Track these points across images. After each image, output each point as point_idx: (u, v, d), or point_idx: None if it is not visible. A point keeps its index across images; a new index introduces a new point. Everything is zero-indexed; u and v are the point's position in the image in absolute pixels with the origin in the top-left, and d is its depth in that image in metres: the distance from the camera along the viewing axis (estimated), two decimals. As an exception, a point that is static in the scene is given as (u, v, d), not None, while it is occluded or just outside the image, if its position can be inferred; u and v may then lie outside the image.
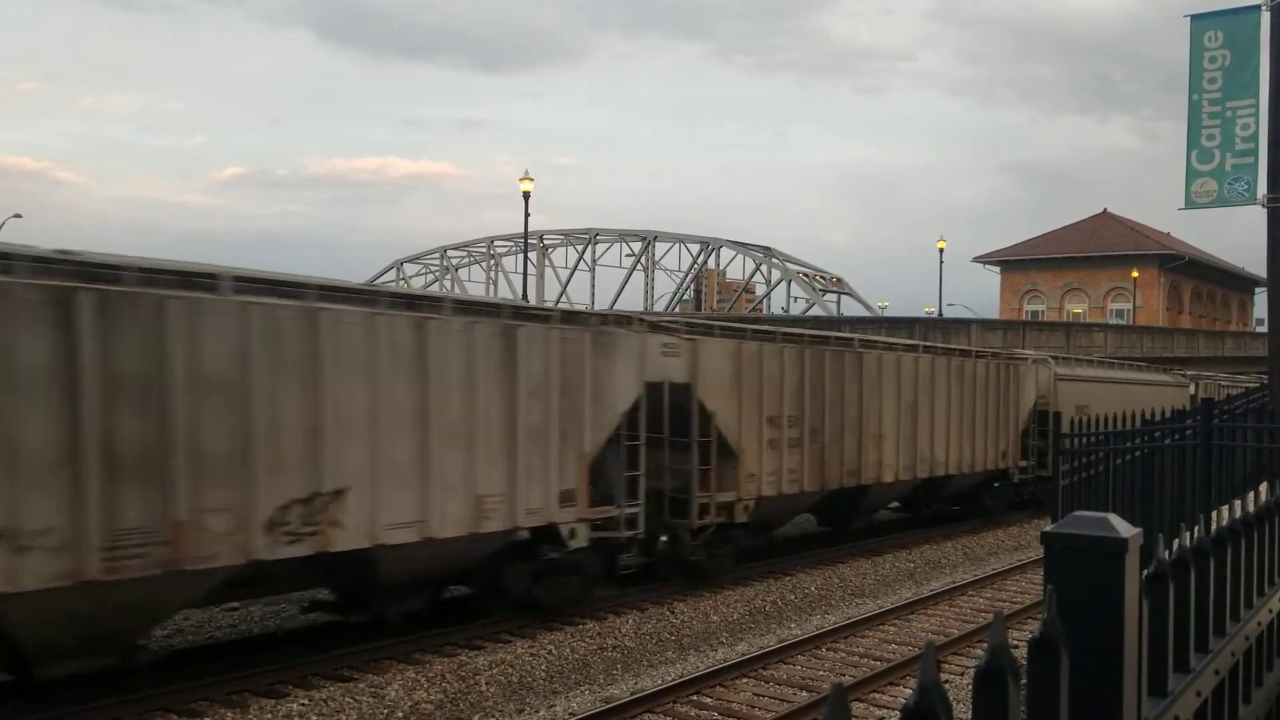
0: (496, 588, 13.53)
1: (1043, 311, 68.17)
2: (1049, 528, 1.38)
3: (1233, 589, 2.15)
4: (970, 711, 1.18)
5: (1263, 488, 2.78)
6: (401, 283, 78.99)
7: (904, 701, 0.96)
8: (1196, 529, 1.94)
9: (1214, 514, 2.33)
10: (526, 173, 36.20)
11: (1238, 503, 2.46)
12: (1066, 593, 1.26)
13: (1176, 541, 1.87)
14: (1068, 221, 74.84)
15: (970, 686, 1.22)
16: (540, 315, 13.84)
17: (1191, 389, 34.37)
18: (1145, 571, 1.54)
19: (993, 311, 67.20)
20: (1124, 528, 1.33)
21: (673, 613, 14.85)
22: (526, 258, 48.93)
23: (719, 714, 10.86)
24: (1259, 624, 2.30)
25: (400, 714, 10.70)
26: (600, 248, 73.41)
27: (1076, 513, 1.38)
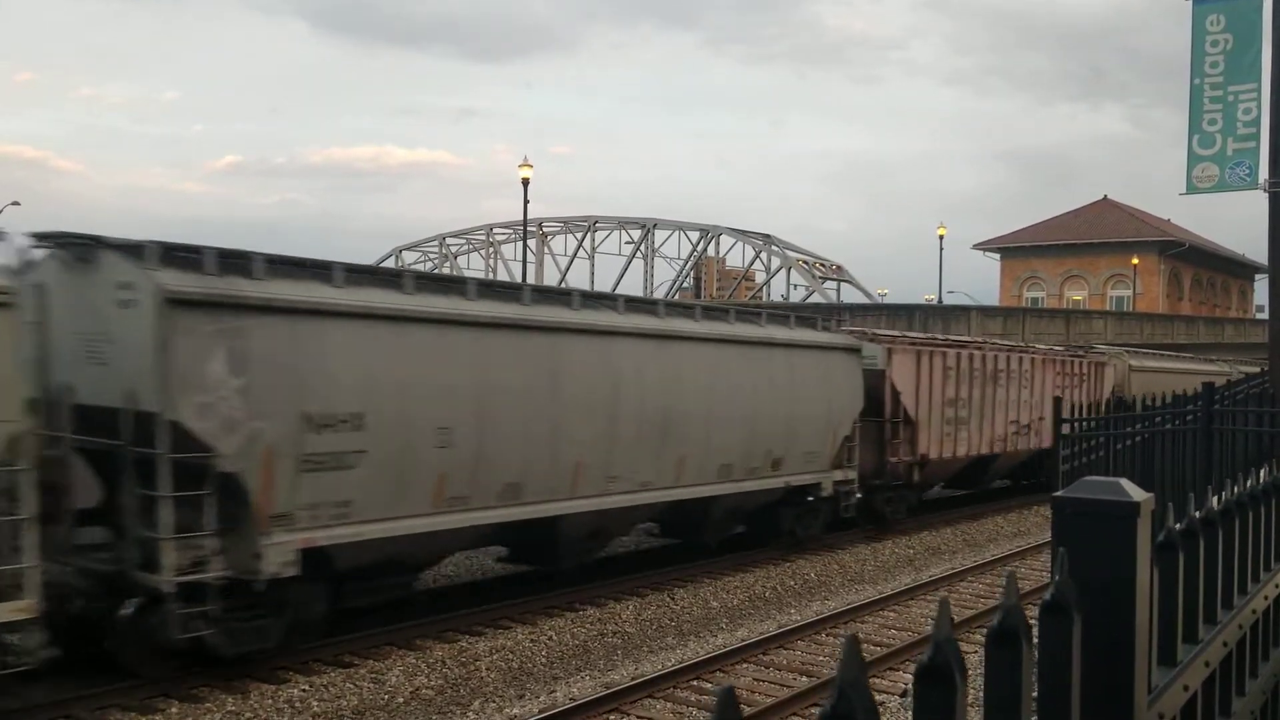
0: None
1: (1043, 298, 68.13)
2: (1059, 492, 1.36)
3: (1239, 563, 2.13)
4: (983, 678, 1.16)
5: (1263, 474, 2.76)
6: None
7: (919, 660, 0.94)
8: (1209, 501, 1.93)
9: (1215, 496, 2.32)
10: (525, 159, 36.14)
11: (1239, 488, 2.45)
12: (1077, 557, 1.24)
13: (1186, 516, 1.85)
14: (1063, 208, 74.81)
15: (980, 658, 1.19)
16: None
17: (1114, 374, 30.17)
18: (1155, 539, 1.52)
19: (993, 299, 67.15)
20: (1136, 492, 1.32)
21: (673, 599, 14.87)
22: (526, 245, 48.82)
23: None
24: (1265, 598, 2.28)
25: (401, 699, 10.71)
26: (599, 235, 73.38)
27: (1087, 478, 1.36)
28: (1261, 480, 2.45)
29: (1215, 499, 1.99)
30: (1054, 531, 1.36)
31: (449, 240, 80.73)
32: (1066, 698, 1.17)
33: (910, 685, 10.23)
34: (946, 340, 24.27)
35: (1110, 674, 1.28)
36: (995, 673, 1.07)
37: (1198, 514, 1.78)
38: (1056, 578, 1.19)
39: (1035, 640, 1.13)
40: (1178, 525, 1.66)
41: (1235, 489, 2.23)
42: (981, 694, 1.21)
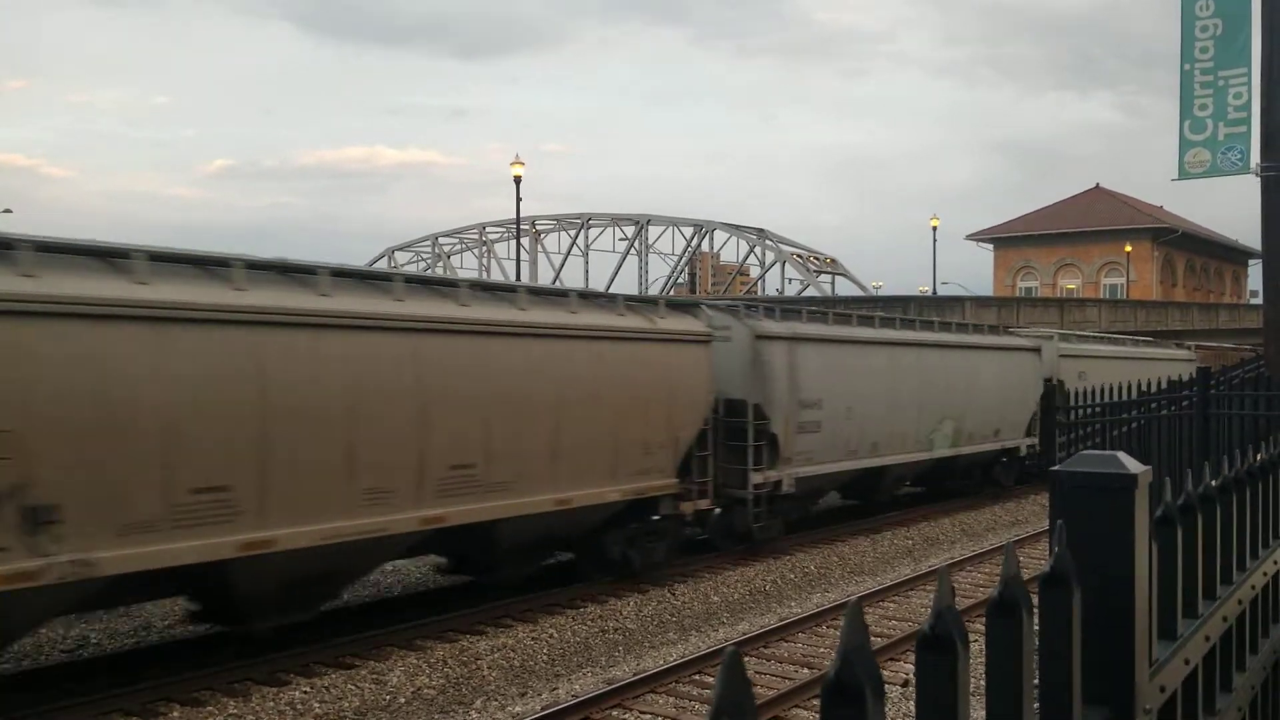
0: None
1: (1036, 288, 68.22)
2: (1058, 466, 1.36)
3: (1238, 539, 2.14)
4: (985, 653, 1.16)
5: (1260, 454, 2.77)
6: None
7: (920, 628, 0.94)
8: (1206, 478, 1.93)
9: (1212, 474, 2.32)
10: (517, 157, 36.11)
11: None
12: (1076, 530, 1.25)
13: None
14: (1055, 198, 74.91)
15: (978, 648, 1.19)
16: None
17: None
18: (1154, 514, 1.52)
19: (987, 289, 67.21)
20: (1133, 465, 1.32)
21: (673, 594, 14.87)
22: (519, 243, 48.77)
23: (721, 692, 10.87)
24: (1265, 575, 2.29)
25: (402, 699, 10.71)
26: (593, 232, 73.34)
27: (1084, 451, 1.36)
28: (1259, 458, 2.45)
29: (1207, 473, 2.00)
30: (1053, 505, 1.36)
31: (442, 240, 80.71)
32: (1068, 669, 1.17)
33: (912, 675, 10.19)
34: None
35: (1111, 646, 1.28)
36: (997, 643, 1.07)
37: (1195, 489, 1.79)
38: (1056, 549, 1.19)
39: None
40: (1176, 500, 1.66)
41: (1232, 467, 2.23)
42: (983, 683, 1.21)
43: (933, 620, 0.93)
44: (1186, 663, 1.61)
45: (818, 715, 9.81)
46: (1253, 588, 2.17)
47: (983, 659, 1.34)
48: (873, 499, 21.76)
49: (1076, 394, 13.96)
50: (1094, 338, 32.13)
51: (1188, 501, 1.71)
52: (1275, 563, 2.43)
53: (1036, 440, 26.04)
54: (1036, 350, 26.13)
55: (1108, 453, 1.34)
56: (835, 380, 18.80)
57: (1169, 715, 1.53)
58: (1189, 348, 36.20)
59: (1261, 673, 2.23)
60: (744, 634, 12.92)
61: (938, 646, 0.92)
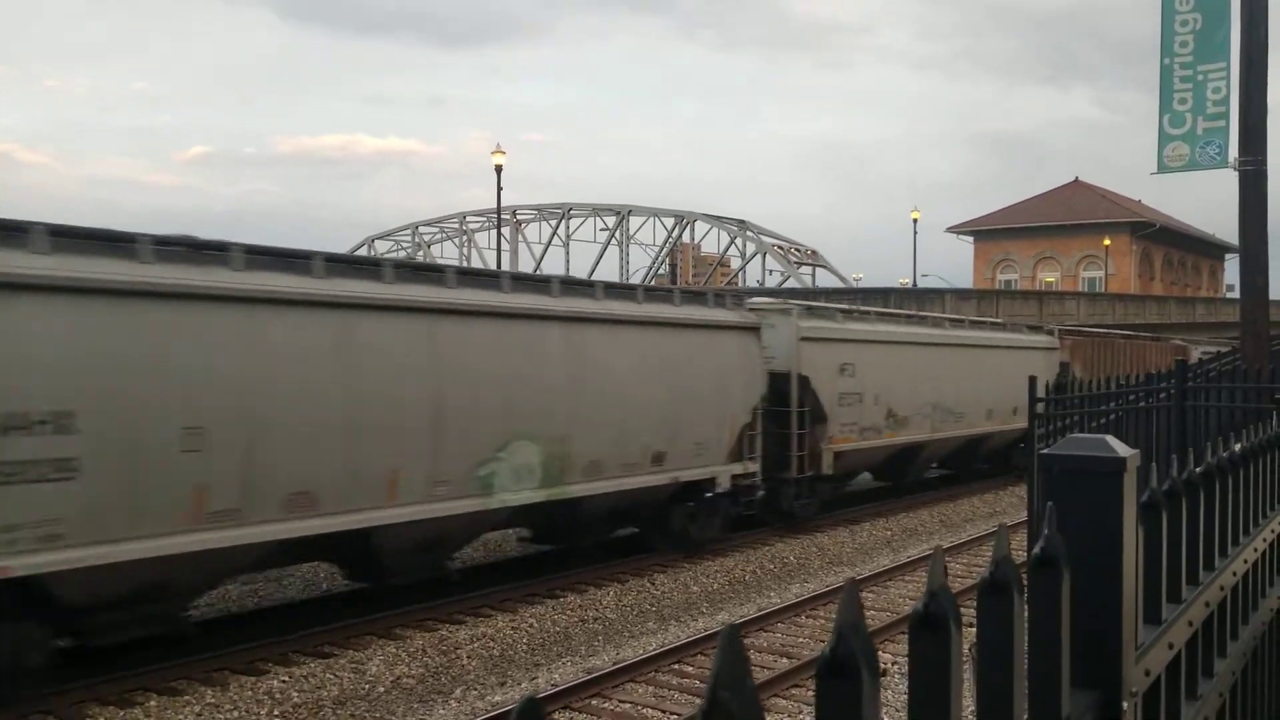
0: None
1: (1016, 280, 68.50)
2: (1047, 450, 1.37)
3: (1220, 526, 2.15)
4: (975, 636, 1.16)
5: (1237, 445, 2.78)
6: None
7: (913, 607, 0.94)
8: (1189, 465, 1.94)
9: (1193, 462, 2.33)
10: (498, 146, 35.99)
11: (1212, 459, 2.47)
12: (1064, 513, 1.25)
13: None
14: (1035, 191, 75.26)
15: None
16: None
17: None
18: (1140, 499, 1.53)
19: (967, 282, 67.46)
20: (1121, 448, 1.32)
21: (653, 584, 14.90)
22: (500, 233, 48.66)
23: (700, 682, 10.91)
24: (1245, 561, 2.31)
25: (381, 688, 10.69)
26: (574, 222, 73.26)
27: (1074, 435, 1.37)
28: (1239, 447, 2.47)
29: (1190, 460, 2.01)
30: (1042, 489, 1.36)
31: (422, 229, 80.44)
32: (1057, 651, 1.17)
33: (890, 664, 10.16)
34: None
35: (1098, 629, 1.29)
36: (988, 624, 1.07)
37: (1180, 475, 1.79)
38: (1046, 532, 1.19)
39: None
40: (1161, 486, 1.67)
41: (1213, 455, 2.25)
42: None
43: (926, 599, 0.92)
44: (1170, 647, 1.61)
45: (796, 704, 9.81)
46: (1234, 574, 2.18)
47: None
48: (385, 580, 12.57)
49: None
50: (876, 315, 22.63)
51: (1173, 487, 1.72)
52: (1255, 550, 2.44)
53: (755, 466, 17.23)
54: (752, 329, 17.26)
55: (1096, 436, 1.34)
56: (129, 374, 9.44)
57: (1153, 699, 1.54)
58: (1051, 332, 28.79)
59: (1242, 659, 2.24)
60: (723, 624, 12.93)
61: (932, 626, 0.92)
